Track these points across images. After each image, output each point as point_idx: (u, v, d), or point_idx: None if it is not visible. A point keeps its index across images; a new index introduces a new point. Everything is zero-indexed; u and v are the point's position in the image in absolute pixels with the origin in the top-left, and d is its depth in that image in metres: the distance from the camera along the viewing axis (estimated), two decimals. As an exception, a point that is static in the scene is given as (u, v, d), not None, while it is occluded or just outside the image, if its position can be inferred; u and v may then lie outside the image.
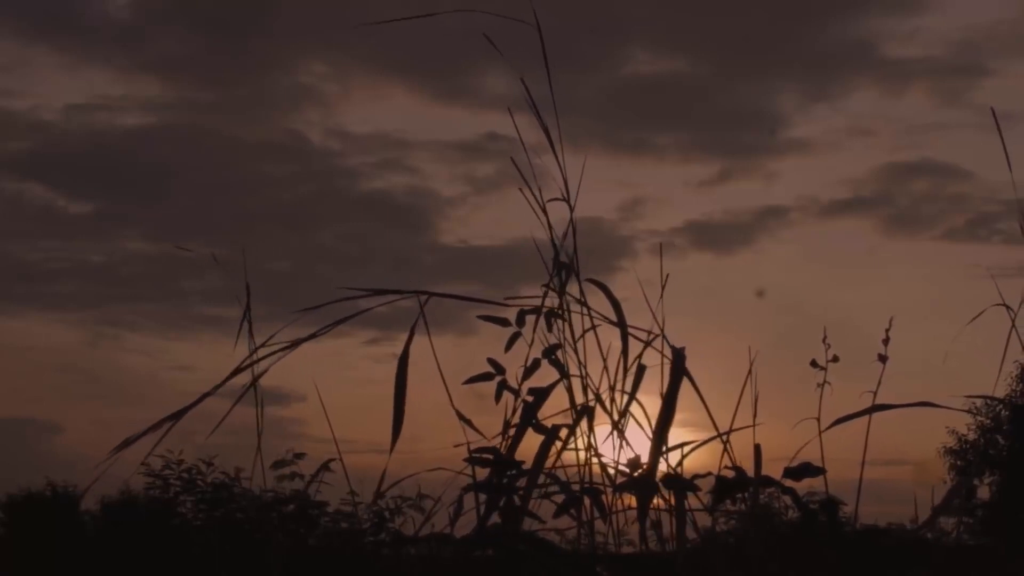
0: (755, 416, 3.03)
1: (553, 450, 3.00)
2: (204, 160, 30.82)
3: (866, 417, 3.08)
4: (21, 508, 16.71)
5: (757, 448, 2.98)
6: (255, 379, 2.99)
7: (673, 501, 2.94)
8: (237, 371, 2.95)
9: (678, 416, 2.88)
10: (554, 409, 3.08)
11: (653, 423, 3.01)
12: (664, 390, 2.89)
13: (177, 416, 2.87)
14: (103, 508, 15.98)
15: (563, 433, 3.02)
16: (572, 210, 3.10)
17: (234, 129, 32.50)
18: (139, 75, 34.20)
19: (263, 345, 2.98)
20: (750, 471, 2.99)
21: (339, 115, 33.63)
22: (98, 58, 33.88)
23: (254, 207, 31.23)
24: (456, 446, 3.10)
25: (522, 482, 3.00)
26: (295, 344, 2.97)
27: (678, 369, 2.86)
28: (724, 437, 3.01)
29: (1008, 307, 3.12)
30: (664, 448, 2.88)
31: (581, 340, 3.11)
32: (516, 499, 3.02)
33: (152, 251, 30.81)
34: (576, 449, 3.03)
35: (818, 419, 3.14)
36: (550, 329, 3.15)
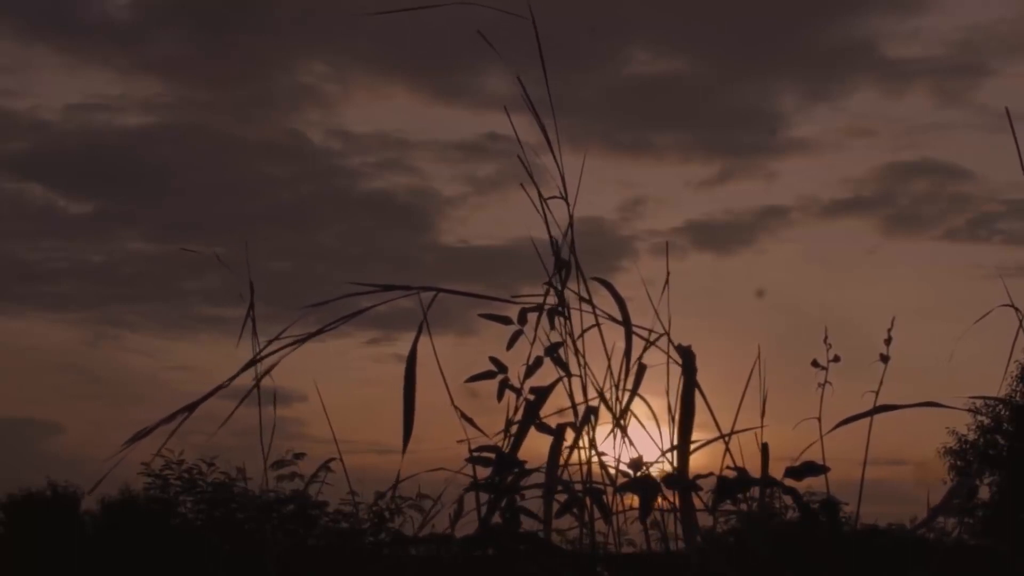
0: (763, 416, 3.03)
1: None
2: (204, 160, 30.82)
3: (868, 417, 3.07)
4: (21, 508, 16.72)
5: (765, 447, 2.97)
6: (261, 376, 2.99)
7: (674, 501, 2.94)
8: (249, 364, 2.95)
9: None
10: (556, 408, 3.08)
11: (658, 423, 3.01)
12: (668, 389, 2.89)
13: (191, 408, 2.86)
14: (103, 508, 15.99)
15: (569, 433, 3.02)
16: (571, 207, 3.10)
17: (234, 129, 32.49)
18: (139, 75, 34.25)
19: (273, 340, 2.98)
20: (752, 471, 2.99)
21: (340, 115, 33.66)
22: (98, 58, 33.87)
23: (254, 207, 31.24)
24: (459, 441, 3.10)
25: (525, 481, 3.00)
26: (303, 339, 2.97)
27: (689, 368, 2.86)
28: (726, 438, 3.01)
29: (1016, 308, 3.11)
30: (687, 447, 2.88)
31: (582, 339, 3.11)
32: (518, 499, 3.02)
33: (152, 251, 30.84)
34: (579, 448, 3.03)
35: (819, 420, 3.14)
36: (553, 327, 3.14)
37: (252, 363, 2.96)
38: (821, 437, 3.10)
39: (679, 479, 2.93)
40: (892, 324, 3.24)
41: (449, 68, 28.02)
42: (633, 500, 2.99)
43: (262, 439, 3.23)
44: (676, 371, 2.97)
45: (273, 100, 33.36)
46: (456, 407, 3.14)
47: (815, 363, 3.25)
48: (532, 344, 3.19)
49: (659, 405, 2.99)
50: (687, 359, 2.88)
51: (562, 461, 3.01)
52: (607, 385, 3.04)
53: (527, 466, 3.02)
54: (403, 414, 2.92)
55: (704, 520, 2.98)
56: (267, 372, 2.99)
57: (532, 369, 3.19)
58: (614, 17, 25.70)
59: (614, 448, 3.03)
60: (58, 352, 31.44)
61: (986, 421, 23.23)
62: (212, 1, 28.78)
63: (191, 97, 32.16)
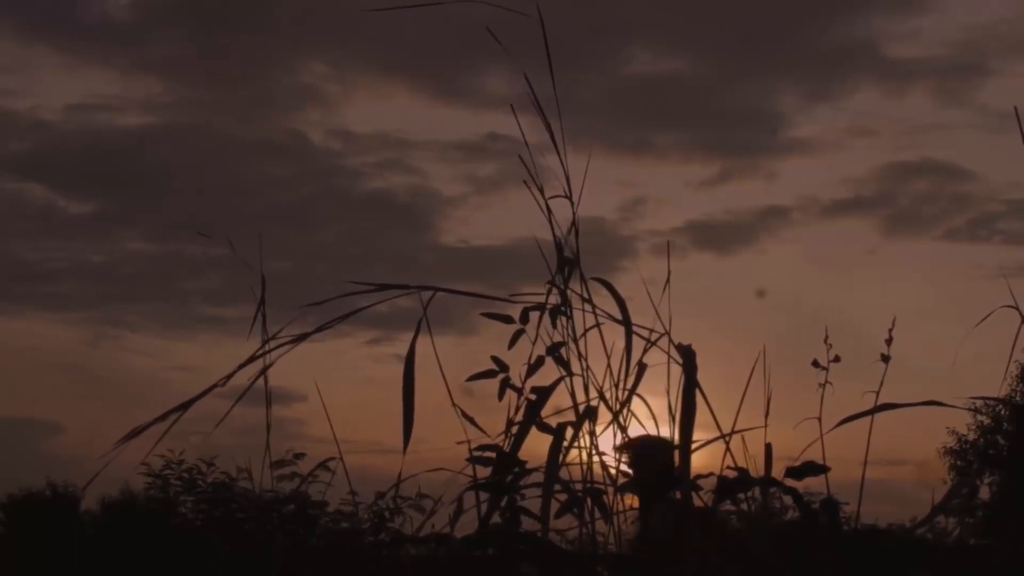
0: (767, 416, 3.03)
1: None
2: (204, 160, 30.79)
3: (868, 417, 3.07)
4: (21, 508, 16.71)
5: (768, 448, 2.97)
6: (256, 376, 2.99)
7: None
8: (249, 361, 2.95)
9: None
10: (557, 407, 3.07)
11: (656, 423, 3.01)
12: (668, 389, 2.89)
13: (184, 407, 2.87)
14: (103, 508, 15.99)
15: (569, 432, 3.01)
16: (575, 206, 3.10)
17: (235, 129, 32.51)
18: (139, 75, 34.29)
19: (272, 338, 2.98)
20: (753, 471, 2.99)
21: (340, 115, 33.68)
22: (98, 58, 33.88)
23: (254, 207, 31.21)
24: (459, 443, 3.10)
25: (525, 481, 3.00)
26: (303, 337, 2.97)
27: (690, 367, 2.86)
28: (726, 437, 3.01)
29: (1018, 308, 3.11)
30: (689, 446, 2.88)
31: (583, 338, 3.11)
32: (518, 498, 3.02)
33: (152, 251, 30.88)
34: (579, 448, 3.03)
35: (819, 419, 3.14)
36: (555, 326, 3.14)
37: (249, 361, 2.96)
38: (822, 437, 3.10)
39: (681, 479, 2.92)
40: (893, 324, 3.24)
41: (449, 68, 28.05)
42: (633, 500, 2.99)
43: (268, 437, 3.23)
44: (676, 371, 2.97)
45: (273, 100, 33.40)
46: (457, 407, 3.14)
47: (815, 363, 3.25)
48: (534, 343, 3.19)
49: (659, 405, 2.99)
50: (688, 358, 2.88)
51: (562, 460, 3.01)
52: (607, 385, 3.04)
53: (528, 466, 3.02)
54: (403, 414, 2.92)
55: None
56: (263, 371, 2.99)
57: (534, 368, 3.19)
58: (615, 17, 25.71)
59: (614, 448, 3.03)
60: (58, 352, 31.44)
61: (986, 421, 23.23)
62: (212, 1, 28.79)
63: (191, 97, 32.20)
